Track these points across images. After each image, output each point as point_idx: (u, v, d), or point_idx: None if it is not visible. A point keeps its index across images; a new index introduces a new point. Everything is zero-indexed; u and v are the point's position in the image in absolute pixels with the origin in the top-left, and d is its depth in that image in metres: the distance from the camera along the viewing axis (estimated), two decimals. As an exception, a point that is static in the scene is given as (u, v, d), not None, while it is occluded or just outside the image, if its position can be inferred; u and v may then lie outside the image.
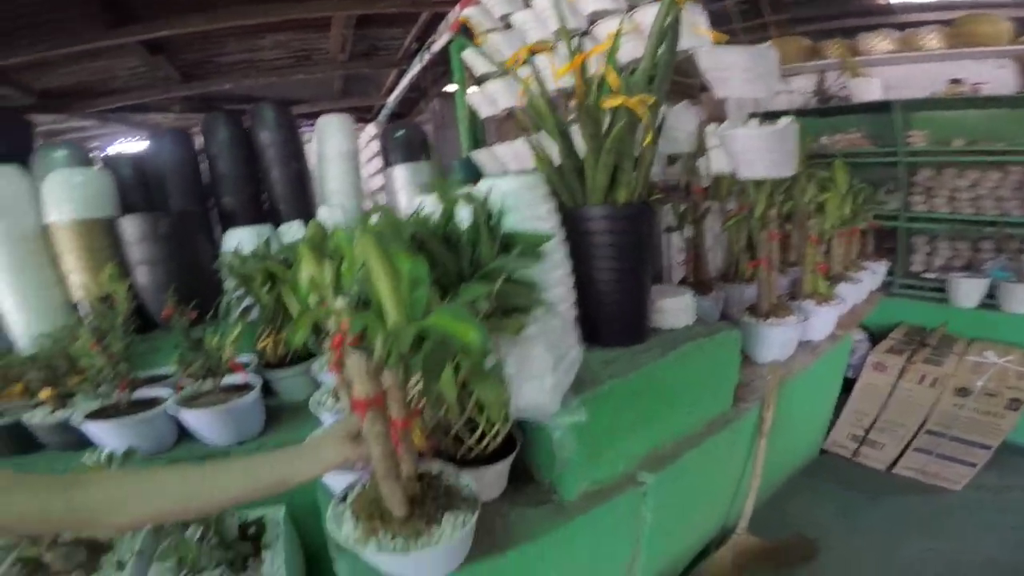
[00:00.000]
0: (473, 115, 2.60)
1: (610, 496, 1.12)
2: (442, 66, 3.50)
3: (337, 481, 1.09)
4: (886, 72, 3.25)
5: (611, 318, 1.13)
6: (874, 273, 2.30)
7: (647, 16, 1.32)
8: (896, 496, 1.90)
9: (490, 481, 1.08)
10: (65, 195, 1.81)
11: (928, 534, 1.68)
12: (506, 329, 0.84)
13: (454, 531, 0.86)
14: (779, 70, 1.39)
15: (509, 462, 1.06)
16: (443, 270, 0.77)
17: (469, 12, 2.03)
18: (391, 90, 4.63)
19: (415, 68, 3.61)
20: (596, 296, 1.12)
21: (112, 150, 3.99)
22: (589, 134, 1.07)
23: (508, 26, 1.95)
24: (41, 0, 2.59)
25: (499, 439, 1.03)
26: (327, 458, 0.81)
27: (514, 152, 2.23)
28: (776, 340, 1.56)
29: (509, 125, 3.00)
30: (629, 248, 1.09)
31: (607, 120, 1.11)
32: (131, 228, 1.82)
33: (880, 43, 3.25)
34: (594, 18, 1.50)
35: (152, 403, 1.51)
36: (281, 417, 1.65)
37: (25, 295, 1.76)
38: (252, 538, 1.38)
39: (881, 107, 2.96)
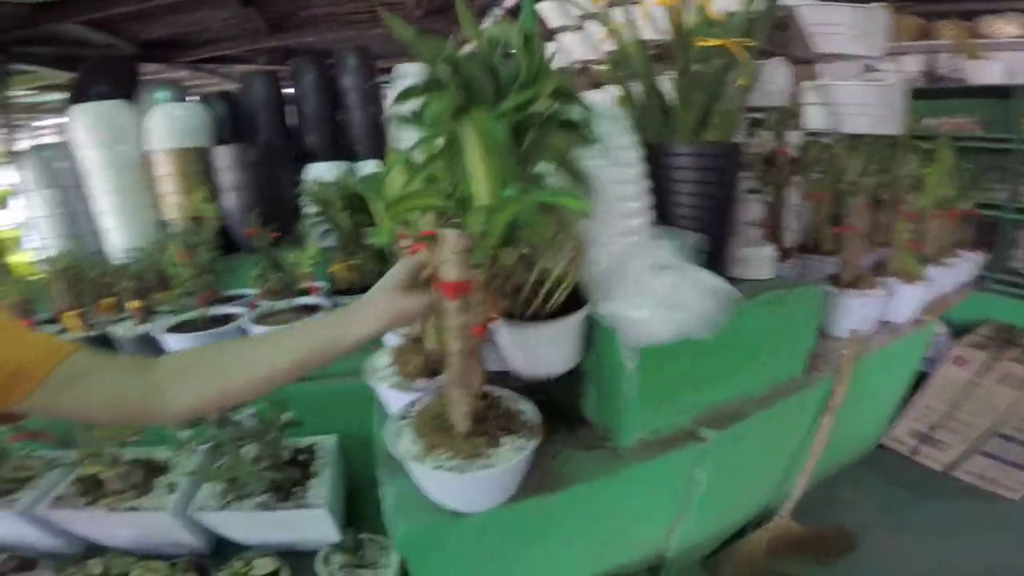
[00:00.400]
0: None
1: (667, 448, 1.10)
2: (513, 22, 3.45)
3: (397, 406, 1.10)
4: (1007, 56, 3.00)
5: (689, 259, 1.10)
6: (968, 263, 2.12)
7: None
8: (949, 498, 1.78)
9: (557, 342, 0.99)
10: (167, 127, 1.97)
11: (977, 538, 1.58)
12: (558, 144, 0.76)
13: (513, 454, 0.86)
14: (888, 32, 1.30)
15: (579, 318, 0.96)
16: (478, 92, 0.67)
17: None
18: (462, 46, 4.64)
19: (487, 23, 3.59)
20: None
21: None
22: (681, 70, 1.04)
23: None
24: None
25: (562, 294, 0.94)
26: (379, 312, 0.72)
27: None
28: (857, 312, 1.48)
29: (582, 80, 2.94)
30: (715, 188, 1.05)
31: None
32: (222, 156, 1.96)
33: (1004, 27, 3.01)
34: None
35: (227, 319, 1.61)
36: (344, 342, 1.71)
37: (125, 215, 1.93)
38: (302, 464, 1.42)
39: (998, 92, 2.72)
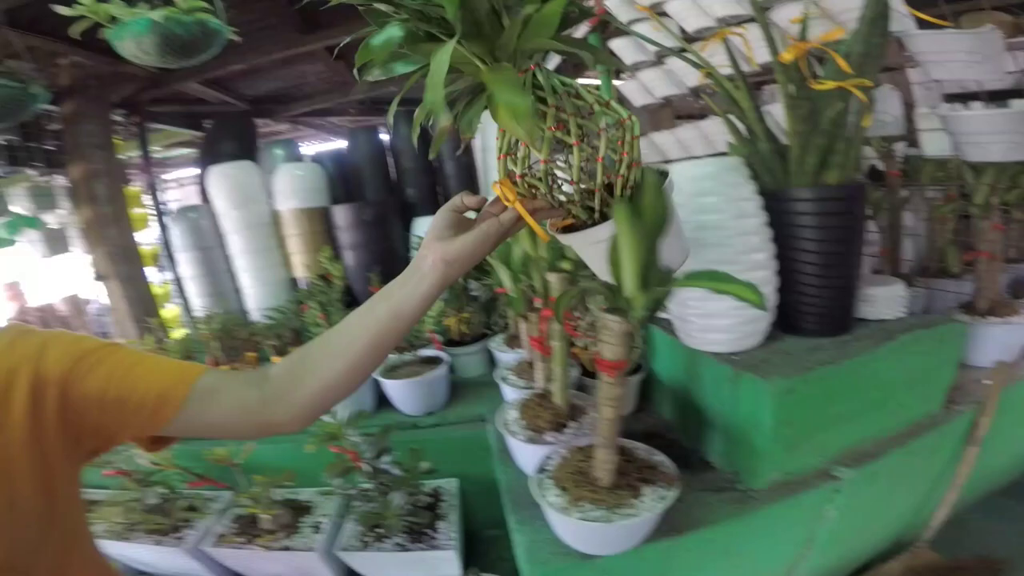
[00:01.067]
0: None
1: (799, 489, 1.08)
2: (574, 58, 3.46)
3: (527, 457, 1.17)
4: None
5: (815, 305, 1.08)
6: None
7: (834, 1, 1.25)
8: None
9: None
10: (291, 187, 2.14)
11: None
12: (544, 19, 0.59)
13: (656, 504, 0.90)
14: (1004, 52, 1.24)
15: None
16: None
17: (611, 4, 1.99)
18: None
19: (551, 62, 3.53)
20: (799, 282, 1.08)
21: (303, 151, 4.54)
22: (801, 116, 1.05)
23: (662, 14, 1.88)
24: (252, 15, 3.04)
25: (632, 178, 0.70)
26: (427, 268, 0.69)
27: (676, 139, 2.19)
28: (1000, 341, 1.38)
29: (664, 114, 2.93)
30: (840, 231, 1.04)
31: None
32: (341, 215, 2.12)
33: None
34: (766, 4, 1.43)
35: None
36: (460, 392, 1.81)
37: (259, 273, 2.12)
38: (430, 507, 1.51)
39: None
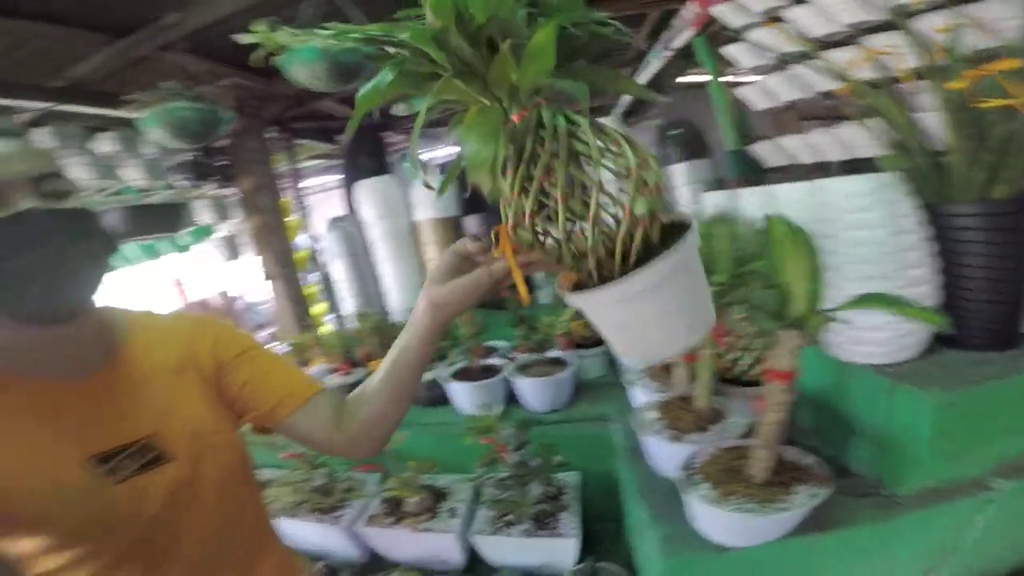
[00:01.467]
0: (739, 108, 2.49)
1: (951, 497, 1.07)
2: (678, 60, 3.30)
3: (668, 456, 1.22)
4: None
5: (981, 320, 1.07)
6: None
7: (988, 10, 1.19)
8: None
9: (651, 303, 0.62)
10: (428, 198, 2.34)
11: None
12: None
13: (808, 500, 0.95)
14: None
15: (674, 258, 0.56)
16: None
17: (720, 9, 1.95)
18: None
19: (651, 66, 3.39)
20: (963, 297, 1.07)
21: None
22: (966, 134, 1.04)
23: (776, 19, 1.81)
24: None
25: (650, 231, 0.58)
26: (421, 310, 0.71)
27: (807, 143, 2.14)
28: None
29: (788, 116, 2.85)
30: (1011, 247, 1.02)
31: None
32: (473, 225, 2.30)
33: None
34: (902, 11, 1.38)
35: (491, 369, 1.90)
36: (582, 391, 1.90)
37: (401, 277, 2.34)
38: (553, 498, 1.59)
39: None
